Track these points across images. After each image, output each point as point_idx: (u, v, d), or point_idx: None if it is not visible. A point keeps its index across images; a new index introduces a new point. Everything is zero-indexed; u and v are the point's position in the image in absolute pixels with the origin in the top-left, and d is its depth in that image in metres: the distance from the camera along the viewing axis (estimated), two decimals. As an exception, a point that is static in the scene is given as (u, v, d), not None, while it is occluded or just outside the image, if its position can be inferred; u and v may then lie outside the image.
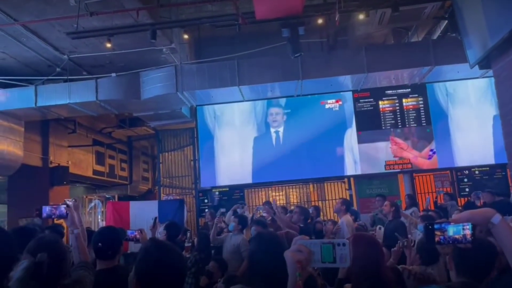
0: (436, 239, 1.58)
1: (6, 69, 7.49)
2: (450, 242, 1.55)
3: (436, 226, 1.57)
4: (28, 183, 8.47)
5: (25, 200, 8.46)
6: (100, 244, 2.54)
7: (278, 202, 10.70)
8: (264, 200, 9.37)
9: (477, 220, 1.42)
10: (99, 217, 12.54)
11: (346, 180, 9.27)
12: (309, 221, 7.32)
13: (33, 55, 7.12)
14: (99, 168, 10.99)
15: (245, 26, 6.23)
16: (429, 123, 8.35)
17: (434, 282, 2.95)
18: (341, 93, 8.45)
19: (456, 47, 6.15)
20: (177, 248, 1.59)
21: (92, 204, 12.47)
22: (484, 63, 5.30)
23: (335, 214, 6.42)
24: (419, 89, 8.38)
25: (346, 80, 7.65)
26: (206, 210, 9.06)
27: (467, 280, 1.64)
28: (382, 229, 6.16)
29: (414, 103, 8.42)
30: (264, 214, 6.89)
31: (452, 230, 1.56)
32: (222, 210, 7.77)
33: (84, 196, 12.08)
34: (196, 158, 9.35)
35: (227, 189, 9.19)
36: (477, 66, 5.47)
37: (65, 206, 2.44)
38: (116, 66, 7.42)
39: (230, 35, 7.43)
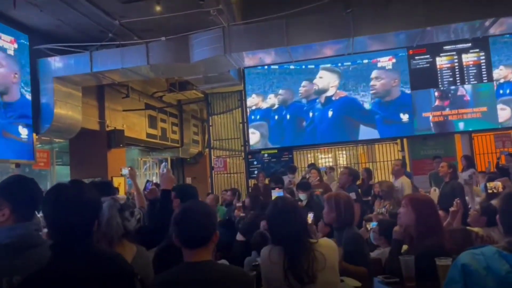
0: None
1: (61, 36, 7.75)
2: None
3: None
4: (87, 146, 8.93)
5: (86, 162, 8.97)
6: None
7: (326, 164, 10.66)
8: (310, 162, 9.35)
9: None
10: (154, 178, 13.09)
11: (398, 141, 9.00)
12: (359, 182, 7.29)
13: (86, 22, 7.31)
14: (152, 131, 11.35)
15: (294, -18, 6.00)
16: (491, 79, 7.82)
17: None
18: (395, 50, 8.09)
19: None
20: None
21: (147, 165, 13.02)
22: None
23: (392, 175, 6.36)
24: (481, 43, 7.81)
25: (401, 36, 7.25)
26: (256, 171, 9.19)
27: None
28: (437, 191, 6.00)
29: (475, 58, 7.88)
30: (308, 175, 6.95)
31: None
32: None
33: (139, 158, 12.60)
34: (245, 120, 9.41)
35: (276, 151, 9.23)
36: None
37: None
38: (165, 30, 7.47)
39: (278, -7, 7.21)
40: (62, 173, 9.73)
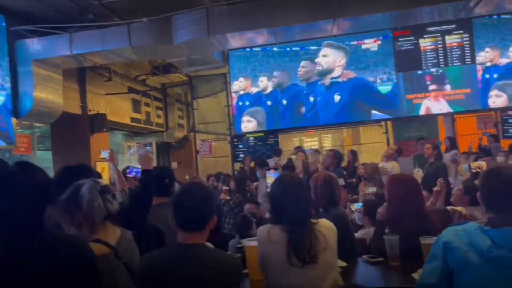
0: None
1: (39, 17, 7.50)
2: None
3: None
4: (69, 130, 8.76)
5: (68, 147, 8.81)
6: (167, 180, 2.66)
7: (312, 147, 10.72)
8: (295, 146, 9.37)
9: None
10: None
11: (382, 123, 9.06)
12: (345, 165, 7.35)
13: (64, 2, 7.06)
14: (136, 115, 11.19)
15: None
16: (474, 61, 7.87)
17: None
18: (380, 31, 8.04)
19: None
20: None
21: (132, 150, 12.86)
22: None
23: (383, 157, 6.50)
24: (465, 25, 7.83)
25: (386, 17, 7.21)
26: (241, 155, 9.18)
27: (500, 215, 1.57)
28: (421, 171, 6.08)
29: (459, 40, 7.91)
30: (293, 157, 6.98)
31: None
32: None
33: (124, 143, 12.44)
34: (229, 103, 9.33)
35: (262, 134, 9.21)
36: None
37: None
38: (147, 11, 7.29)
39: (262, -27, 7.07)
40: (44, 158, 9.55)
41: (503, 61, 7.78)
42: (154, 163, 13.12)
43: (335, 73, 8.24)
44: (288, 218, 2.05)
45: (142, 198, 2.45)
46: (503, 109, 8.16)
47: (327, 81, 8.26)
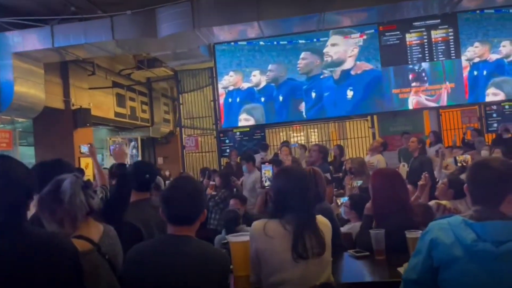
0: None
1: (20, 9, 7.30)
2: None
3: None
4: (52, 125, 8.61)
5: (51, 142, 8.65)
6: (147, 175, 2.60)
7: (298, 142, 10.71)
8: (282, 140, 9.33)
9: None
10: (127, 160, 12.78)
11: (369, 118, 9.09)
12: (332, 160, 7.35)
13: (46, -6, 6.92)
14: (120, 110, 11.03)
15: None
16: (459, 56, 7.92)
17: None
18: (366, 26, 8.02)
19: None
20: None
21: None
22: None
23: (368, 151, 6.55)
24: (450, 19, 7.87)
25: (372, 11, 7.21)
26: (228, 150, 9.12)
27: (486, 207, 1.56)
28: (406, 166, 6.11)
29: (444, 34, 7.95)
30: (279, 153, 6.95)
31: None
32: None
33: (108, 138, 12.27)
34: (216, 98, 9.25)
35: (248, 129, 9.15)
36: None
37: None
38: (130, 4, 7.17)
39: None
40: (26, 154, 9.36)
41: (493, 56, 7.80)
42: (139, 158, 13.01)
43: (347, 65, 7.64)
44: (294, 213, 1.97)
45: (118, 194, 2.39)
46: (486, 104, 8.25)
47: (336, 74, 7.61)
